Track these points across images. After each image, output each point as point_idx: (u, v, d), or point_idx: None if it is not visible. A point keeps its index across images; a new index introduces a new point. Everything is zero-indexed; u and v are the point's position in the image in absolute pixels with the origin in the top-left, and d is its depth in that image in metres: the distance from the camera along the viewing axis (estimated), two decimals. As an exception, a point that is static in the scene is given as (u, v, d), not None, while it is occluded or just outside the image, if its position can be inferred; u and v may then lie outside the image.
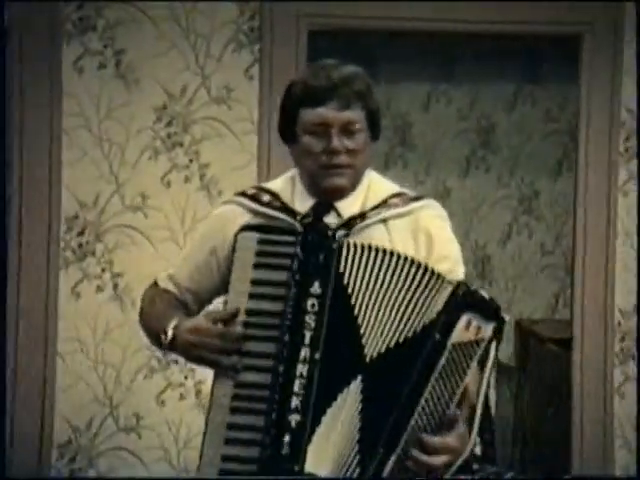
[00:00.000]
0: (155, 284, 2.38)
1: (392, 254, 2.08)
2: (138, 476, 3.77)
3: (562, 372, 4.28)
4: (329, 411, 2.06)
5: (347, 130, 2.19)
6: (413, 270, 2.08)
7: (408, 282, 2.08)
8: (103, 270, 3.78)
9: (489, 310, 2.16)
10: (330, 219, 2.24)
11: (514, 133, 5.65)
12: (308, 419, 2.05)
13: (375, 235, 2.21)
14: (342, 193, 2.23)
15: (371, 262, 2.09)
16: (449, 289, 2.09)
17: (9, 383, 3.67)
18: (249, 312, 2.10)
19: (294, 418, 2.06)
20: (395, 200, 2.29)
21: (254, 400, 2.07)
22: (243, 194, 2.30)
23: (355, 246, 2.09)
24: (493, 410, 5.27)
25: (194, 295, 2.33)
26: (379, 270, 2.08)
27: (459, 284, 2.11)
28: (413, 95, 5.62)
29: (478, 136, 5.65)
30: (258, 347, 2.09)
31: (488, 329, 2.17)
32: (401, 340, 2.07)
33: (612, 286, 3.93)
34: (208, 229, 2.34)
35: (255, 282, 2.11)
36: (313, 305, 2.09)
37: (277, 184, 2.32)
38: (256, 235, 2.13)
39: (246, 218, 2.24)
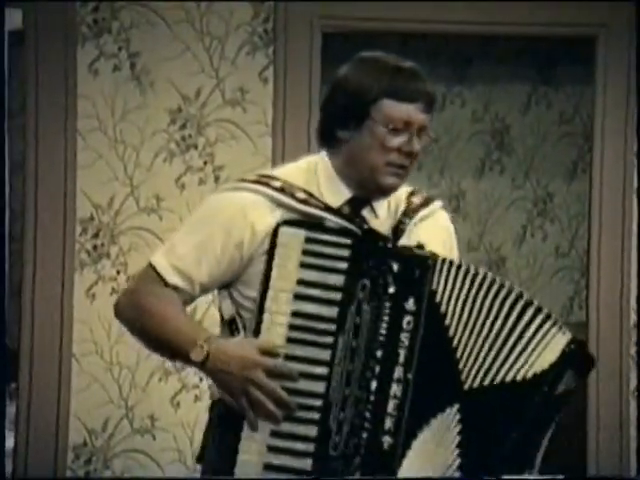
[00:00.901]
0: (155, 276, 2.09)
1: (493, 281, 2.03)
2: (153, 477, 3.77)
3: (577, 374, 4.26)
4: (420, 436, 1.99)
5: (420, 134, 2.12)
6: (520, 304, 2.04)
7: (514, 317, 2.03)
8: (118, 272, 3.79)
9: (588, 369, 2.11)
10: (365, 214, 2.14)
11: (529, 135, 5.64)
12: (399, 442, 1.98)
13: (412, 237, 2.15)
14: (389, 195, 2.16)
15: (467, 284, 2.02)
16: (562, 340, 2.03)
17: (25, 385, 3.68)
18: (297, 314, 1.99)
19: (387, 440, 1.98)
20: (415, 199, 2.25)
21: (308, 409, 1.96)
22: (265, 184, 2.11)
23: (450, 263, 2.02)
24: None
25: (204, 291, 2.12)
26: (476, 293, 2.02)
27: (573, 338, 2.04)
28: (427, 97, 5.61)
29: (492, 138, 5.65)
30: (307, 352, 1.99)
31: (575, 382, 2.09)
32: (507, 380, 2.01)
33: (627, 288, 3.91)
34: (229, 219, 2.08)
35: (303, 282, 2.00)
36: (409, 322, 2.00)
37: (294, 173, 2.15)
38: (303, 232, 2.02)
39: (277, 214, 2.07)
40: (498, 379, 2.01)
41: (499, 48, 5.36)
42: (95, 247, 3.78)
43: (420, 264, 2.03)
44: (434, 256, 2.04)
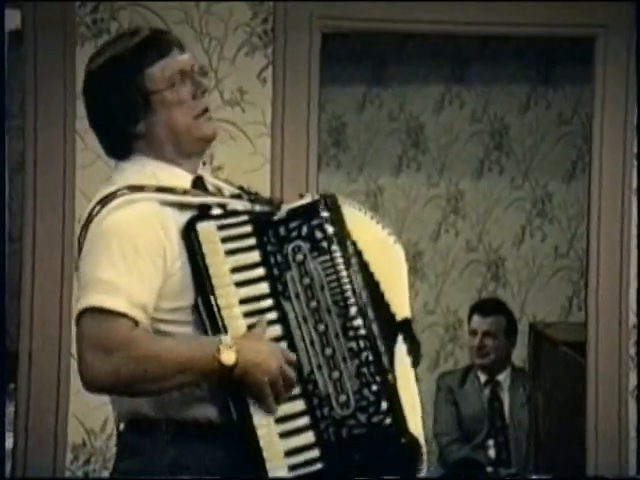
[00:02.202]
0: (125, 320, 1.93)
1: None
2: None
3: (576, 375, 4.27)
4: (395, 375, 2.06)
5: (198, 74, 2.17)
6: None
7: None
8: (117, 273, 3.78)
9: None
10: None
11: (527, 135, 5.64)
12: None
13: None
14: (212, 141, 2.15)
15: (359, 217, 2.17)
16: None
17: (24, 386, 3.68)
18: (243, 301, 1.98)
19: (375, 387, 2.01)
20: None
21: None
22: (141, 190, 2.03)
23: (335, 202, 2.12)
24: (507, 413, 5.25)
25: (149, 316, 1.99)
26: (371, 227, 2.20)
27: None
28: (426, 97, 5.61)
29: (491, 138, 5.64)
30: (268, 332, 1.99)
31: None
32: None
33: (626, 289, 3.91)
34: (143, 235, 1.98)
35: (236, 270, 1.99)
36: (353, 268, 2.05)
37: (139, 179, 2.07)
38: (213, 223, 1.99)
39: (169, 213, 2.01)
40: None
41: (498, 48, 5.36)
42: (94, 248, 3.78)
43: (336, 205, 2.07)
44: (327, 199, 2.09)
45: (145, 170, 2.09)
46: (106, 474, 3.79)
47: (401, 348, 2.10)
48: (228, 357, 1.91)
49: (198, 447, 2.00)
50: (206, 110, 2.12)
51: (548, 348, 4.95)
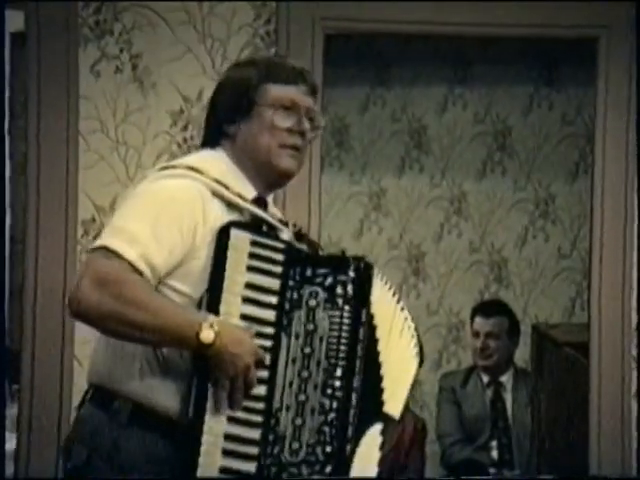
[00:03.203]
0: (127, 266, 1.99)
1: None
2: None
3: (579, 376, 4.26)
4: (360, 446, 2.08)
5: (308, 117, 2.17)
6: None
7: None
8: (120, 274, 3.79)
9: None
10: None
11: (530, 136, 5.64)
12: (352, 449, 2.06)
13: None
14: (290, 179, 2.20)
15: (387, 295, 2.17)
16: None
17: (27, 386, 3.68)
18: (243, 317, 2.01)
19: (347, 447, 2.05)
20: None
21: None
22: (199, 173, 2.09)
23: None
24: (509, 414, 5.24)
25: (157, 281, 2.05)
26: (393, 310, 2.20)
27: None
28: (429, 98, 5.61)
29: (494, 139, 5.64)
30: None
31: None
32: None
33: (629, 290, 3.91)
34: (182, 205, 2.04)
35: (249, 286, 2.02)
36: (362, 331, 2.06)
37: (209, 166, 2.12)
38: (249, 236, 2.03)
39: (215, 204, 2.08)
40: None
41: (501, 50, 5.36)
42: (97, 248, 3.78)
43: (367, 272, 2.08)
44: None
45: (218, 165, 2.14)
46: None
47: (374, 436, 2.11)
48: (207, 335, 1.95)
49: (147, 435, 2.02)
50: (295, 148, 2.16)
51: (551, 349, 4.95)
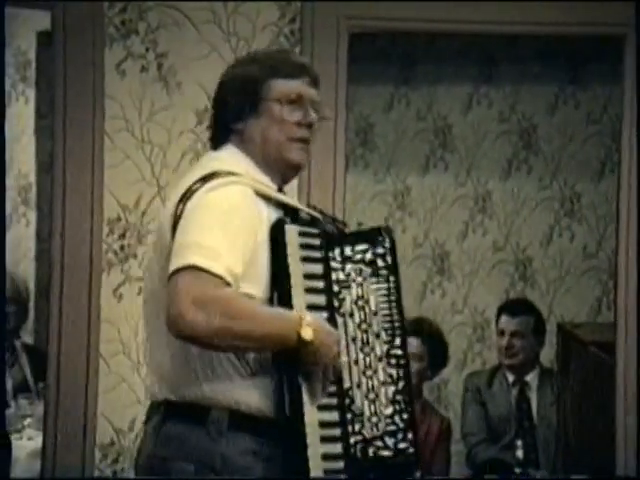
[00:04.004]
0: (219, 280, 2.02)
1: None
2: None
3: (605, 376, 4.24)
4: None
5: (314, 108, 2.21)
6: None
7: None
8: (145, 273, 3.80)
9: None
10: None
11: (556, 135, 5.61)
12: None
13: None
14: (299, 171, 2.26)
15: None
16: None
17: (53, 385, 3.69)
18: (310, 307, 2.08)
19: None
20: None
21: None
22: (234, 174, 2.14)
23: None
24: (535, 414, 5.21)
25: (237, 288, 2.09)
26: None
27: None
28: (454, 97, 5.60)
29: (520, 138, 5.62)
30: None
31: None
32: None
33: (656, 289, 3.89)
34: (245, 212, 2.10)
35: (308, 276, 2.09)
36: (398, 295, 2.15)
37: (239, 166, 2.18)
38: (297, 228, 2.11)
39: (262, 204, 2.14)
40: None
41: (526, 48, 5.34)
42: (122, 247, 3.80)
43: (391, 241, 2.17)
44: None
45: (240, 164, 2.18)
46: (134, 474, 3.80)
47: None
48: (307, 333, 2.02)
49: (247, 439, 2.08)
50: (304, 141, 2.21)
51: (576, 349, 4.93)
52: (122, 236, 3.80)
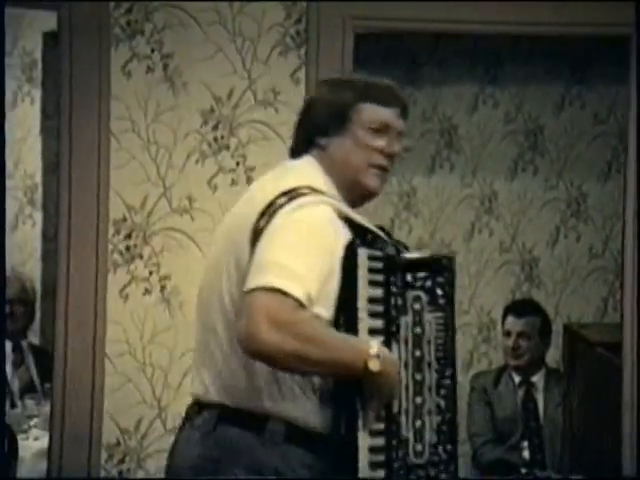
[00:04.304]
0: (296, 304, 2.04)
1: None
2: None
3: (611, 376, 4.24)
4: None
5: (398, 139, 2.24)
6: None
7: None
8: (150, 273, 3.80)
9: None
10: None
11: (562, 135, 5.61)
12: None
13: None
14: (371, 199, 2.26)
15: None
16: None
17: (59, 385, 3.70)
18: (371, 331, 2.09)
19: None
20: None
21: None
22: (324, 195, 2.16)
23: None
24: (541, 414, 5.21)
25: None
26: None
27: None
28: (459, 98, 5.60)
29: (526, 138, 5.62)
30: None
31: None
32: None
33: (662, 289, 3.88)
34: (326, 237, 2.11)
35: (371, 300, 2.10)
36: (452, 327, 2.17)
37: (318, 181, 2.19)
38: (367, 251, 2.11)
39: (340, 225, 2.15)
40: None
41: (532, 48, 5.34)
42: (128, 248, 3.80)
43: (451, 272, 2.17)
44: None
45: (318, 179, 2.19)
46: (141, 473, 3.81)
47: None
48: (374, 365, 2.04)
49: (301, 452, 2.11)
50: (383, 169, 2.22)
51: (583, 349, 4.92)
52: (128, 236, 3.80)
